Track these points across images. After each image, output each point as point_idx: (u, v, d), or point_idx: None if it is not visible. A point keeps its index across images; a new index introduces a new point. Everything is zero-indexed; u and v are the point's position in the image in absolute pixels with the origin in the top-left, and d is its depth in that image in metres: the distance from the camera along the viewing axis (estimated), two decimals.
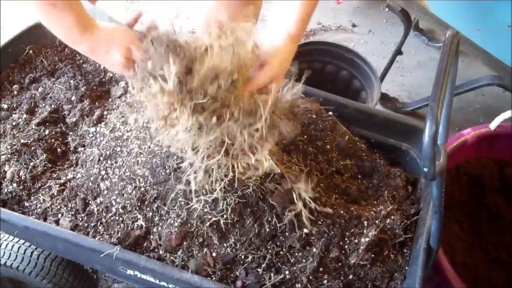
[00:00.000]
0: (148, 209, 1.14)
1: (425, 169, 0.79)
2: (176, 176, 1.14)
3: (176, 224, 1.11)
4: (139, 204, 1.15)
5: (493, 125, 1.54)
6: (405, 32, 2.11)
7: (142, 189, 1.16)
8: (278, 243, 1.11)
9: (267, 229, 1.10)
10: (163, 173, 1.15)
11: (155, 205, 1.14)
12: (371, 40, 2.75)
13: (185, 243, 1.10)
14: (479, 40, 1.69)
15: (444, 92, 0.82)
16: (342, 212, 1.15)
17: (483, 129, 1.56)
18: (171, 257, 1.10)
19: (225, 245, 1.10)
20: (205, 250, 1.10)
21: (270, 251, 1.11)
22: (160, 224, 1.13)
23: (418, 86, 2.50)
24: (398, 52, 2.21)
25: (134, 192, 1.15)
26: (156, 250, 1.11)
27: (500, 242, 1.57)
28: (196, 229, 1.11)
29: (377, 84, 1.90)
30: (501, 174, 1.66)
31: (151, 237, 1.13)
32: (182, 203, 1.12)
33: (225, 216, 1.09)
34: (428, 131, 0.77)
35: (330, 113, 1.37)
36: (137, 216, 1.14)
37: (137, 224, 1.13)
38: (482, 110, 2.40)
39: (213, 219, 1.09)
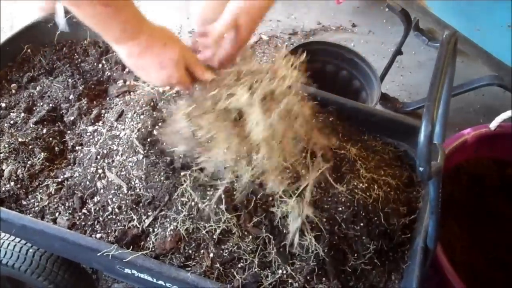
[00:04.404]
0: (143, 211, 1.15)
1: (421, 169, 0.79)
2: (170, 181, 1.15)
3: (171, 227, 1.11)
4: (133, 205, 1.15)
5: (493, 125, 1.53)
6: (405, 32, 2.11)
7: (137, 190, 1.16)
8: (276, 243, 1.11)
9: (265, 231, 1.10)
10: (156, 177, 1.16)
11: (150, 208, 1.15)
12: (371, 40, 2.75)
13: (181, 245, 1.10)
14: (478, 40, 1.69)
15: (441, 92, 0.81)
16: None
17: (483, 129, 1.56)
18: (168, 258, 1.11)
19: (222, 247, 1.10)
20: (202, 251, 1.10)
21: (268, 251, 1.11)
22: (156, 226, 1.13)
23: (418, 86, 2.51)
24: (398, 52, 2.21)
25: (129, 192, 1.16)
26: (153, 249, 1.11)
27: (500, 242, 1.57)
28: (192, 234, 1.11)
29: (377, 84, 1.90)
30: (501, 174, 1.66)
31: (147, 237, 1.13)
32: (179, 207, 1.12)
33: (221, 226, 1.10)
34: (424, 130, 0.77)
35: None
36: (132, 217, 1.14)
37: (132, 225, 1.13)
38: (482, 110, 2.40)
39: (210, 227, 1.10)
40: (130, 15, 0.95)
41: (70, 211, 1.17)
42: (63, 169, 1.26)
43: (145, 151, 1.19)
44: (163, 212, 1.14)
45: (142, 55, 0.98)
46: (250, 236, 1.10)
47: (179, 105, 1.07)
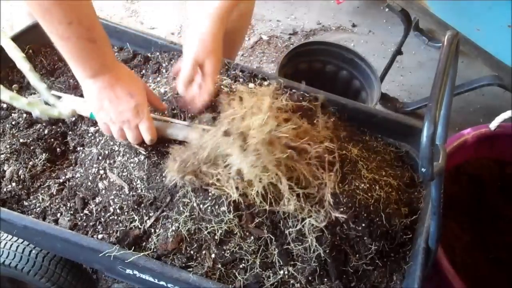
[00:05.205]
0: (144, 211, 1.15)
1: (423, 170, 0.79)
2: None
3: (173, 228, 1.11)
4: (135, 206, 1.15)
5: (493, 125, 1.54)
6: (405, 32, 2.11)
7: (139, 191, 1.16)
8: (278, 244, 1.11)
9: (267, 232, 1.10)
10: (158, 178, 1.16)
11: (152, 209, 1.15)
12: (371, 40, 2.76)
13: (183, 246, 1.11)
14: (479, 40, 1.69)
15: (443, 93, 0.82)
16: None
17: (483, 129, 1.56)
18: (170, 259, 1.11)
19: (224, 248, 1.10)
20: (204, 252, 1.10)
21: (270, 251, 1.11)
22: (158, 226, 1.13)
23: (418, 86, 2.51)
24: (398, 52, 2.22)
25: (131, 193, 1.16)
26: (155, 250, 1.11)
27: (500, 242, 1.57)
28: (194, 235, 1.11)
29: (377, 84, 1.90)
30: (501, 174, 1.66)
31: (149, 238, 1.13)
32: (181, 208, 1.12)
33: (223, 227, 1.10)
34: (426, 131, 0.77)
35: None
36: (134, 217, 1.14)
37: (134, 226, 1.14)
38: (482, 110, 2.40)
39: (211, 228, 1.10)
40: (109, 49, 1.05)
41: (71, 212, 1.17)
42: (65, 170, 1.26)
43: (146, 152, 1.19)
44: (164, 213, 1.14)
45: (115, 86, 1.07)
46: (252, 237, 1.10)
47: (167, 165, 1.12)
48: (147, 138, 1.14)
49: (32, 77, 1.35)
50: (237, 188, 1.07)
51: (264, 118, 1.06)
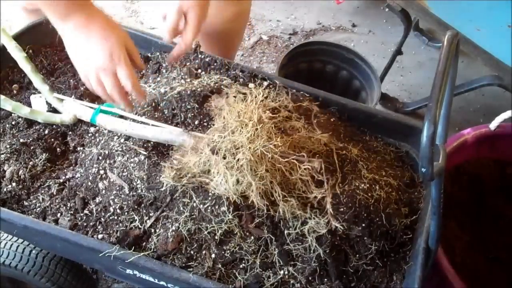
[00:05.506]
0: (144, 211, 1.15)
1: (423, 170, 0.79)
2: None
3: (173, 228, 1.11)
4: (135, 206, 1.15)
5: (493, 125, 1.54)
6: (405, 32, 2.11)
7: (139, 191, 1.16)
8: (278, 244, 1.11)
9: (267, 232, 1.10)
10: (158, 178, 1.16)
11: (152, 209, 1.15)
12: (371, 40, 2.75)
13: (183, 246, 1.11)
14: (479, 40, 1.69)
15: (443, 93, 0.82)
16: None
17: (483, 129, 1.56)
18: (170, 259, 1.11)
19: (224, 248, 1.10)
20: (204, 252, 1.10)
21: (270, 251, 1.11)
22: (158, 226, 1.13)
23: (418, 86, 2.51)
24: (398, 52, 2.21)
25: (131, 193, 1.16)
26: (155, 250, 1.11)
27: (500, 242, 1.57)
28: (194, 235, 1.11)
29: (377, 84, 1.90)
30: (502, 174, 1.66)
31: (149, 238, 1.13)
32: (181, 208, 1.12)
33: (223, 227, 1.10)
34: (426, 131, 0.77)
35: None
36: (134, 217, 1.14)
37: (134, 226, 1.14)
38: (482, 110, 2.40)
39: (212, 228, 1.10)
40: None
41: (72, 212, 1.17)
42: (65, 170, 1.26)
43: (147, 152, 1.19)
44: (164, 213, 1.14)
45: (89, 26, 1.03)
46: (252, 237, 1.10)
47: (163, 171, 1.14)
48: (128, 86, 1.08)
49: (35, 79, 1.34)
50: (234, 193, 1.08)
51: (253, 133, 1.07)
